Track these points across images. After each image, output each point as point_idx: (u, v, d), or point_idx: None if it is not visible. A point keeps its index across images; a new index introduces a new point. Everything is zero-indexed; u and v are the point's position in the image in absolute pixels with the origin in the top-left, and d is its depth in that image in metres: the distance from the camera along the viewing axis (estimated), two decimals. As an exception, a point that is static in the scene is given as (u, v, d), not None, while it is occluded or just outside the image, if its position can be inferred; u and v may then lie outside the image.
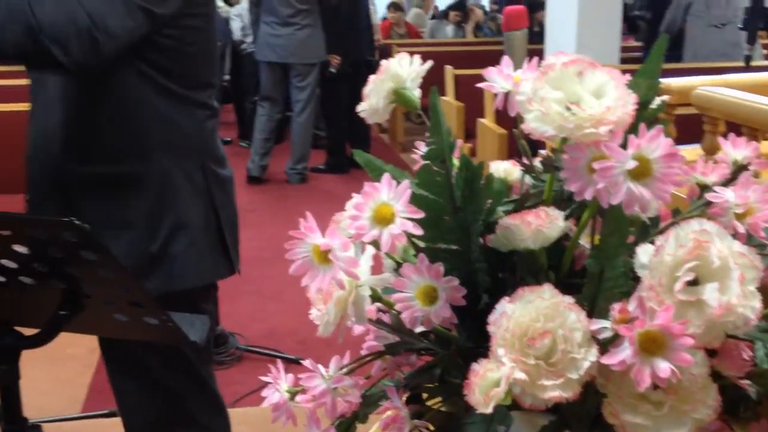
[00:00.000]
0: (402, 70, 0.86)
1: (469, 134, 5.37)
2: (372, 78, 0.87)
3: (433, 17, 9.76)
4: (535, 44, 5.82)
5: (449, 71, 5.66)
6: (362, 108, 0.88)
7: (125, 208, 1.64)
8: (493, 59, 0.86)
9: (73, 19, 1.45)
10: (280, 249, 0.70)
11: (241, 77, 7.33)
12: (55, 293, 1.20)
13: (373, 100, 0.86)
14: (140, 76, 1.60)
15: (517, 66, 0.81)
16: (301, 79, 5.99)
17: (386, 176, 0.66)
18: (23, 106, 4.15)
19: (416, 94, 0.91)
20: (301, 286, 0.67)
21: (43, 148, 1.69)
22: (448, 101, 5.54)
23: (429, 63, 0.88)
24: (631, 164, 0.64)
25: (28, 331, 1.25)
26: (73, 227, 1.09)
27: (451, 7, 9.08)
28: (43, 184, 1.72)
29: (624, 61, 6.05)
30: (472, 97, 5.45)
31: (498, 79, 0.76)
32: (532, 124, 0.67)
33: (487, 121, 4.98)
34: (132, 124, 1.63)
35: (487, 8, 11.24)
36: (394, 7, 8.67)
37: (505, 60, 0.76)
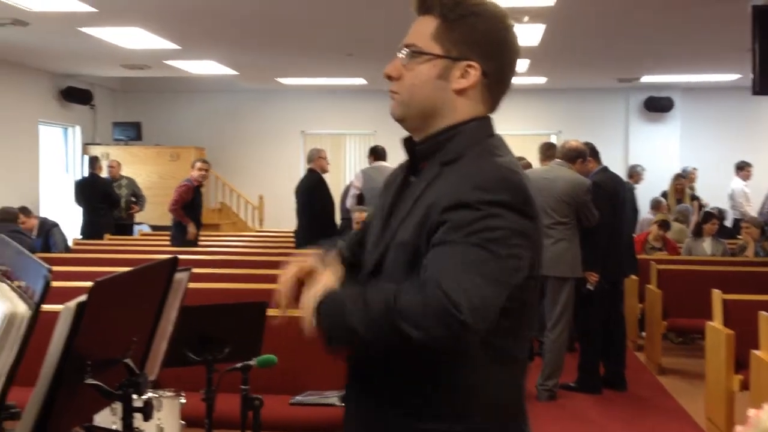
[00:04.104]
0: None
1: (741, 365, 4.91)
2: (739, 429, 0.79)
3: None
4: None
5: (717, 296, 5.29)
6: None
7: None
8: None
9: (432, 302, 1.42)
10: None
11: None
12: None
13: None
14: (481, 342, 1.52)
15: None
16: (554, 293, 5.91)
17: None
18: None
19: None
20: None
21: (363, 399, 1.68)
22: (716, 328, 5.16)
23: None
24: None
25: None
26: None
27: (705, 219, 8.45)
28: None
29: None
30: (744, 324, 5.01)
31: None
32: None
33: (762, 354, 4.54)
34: (459, 383, 1.58)
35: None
36: (659, 225, 8.35)
37: None
